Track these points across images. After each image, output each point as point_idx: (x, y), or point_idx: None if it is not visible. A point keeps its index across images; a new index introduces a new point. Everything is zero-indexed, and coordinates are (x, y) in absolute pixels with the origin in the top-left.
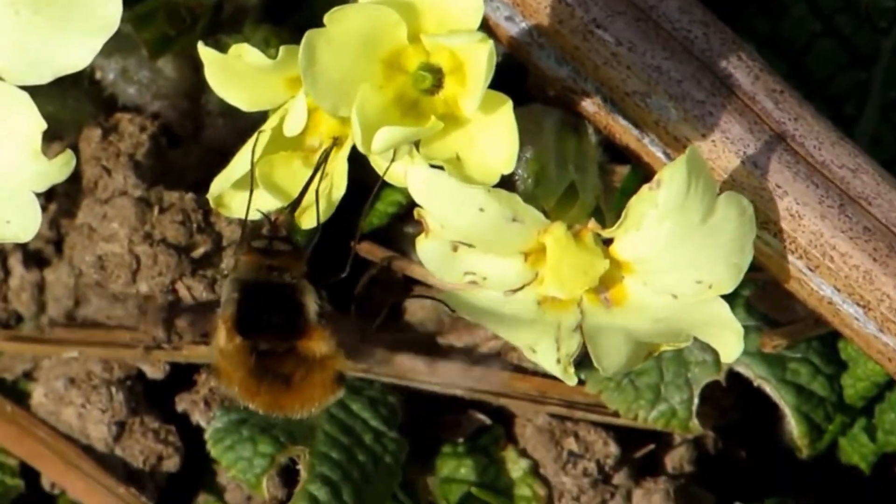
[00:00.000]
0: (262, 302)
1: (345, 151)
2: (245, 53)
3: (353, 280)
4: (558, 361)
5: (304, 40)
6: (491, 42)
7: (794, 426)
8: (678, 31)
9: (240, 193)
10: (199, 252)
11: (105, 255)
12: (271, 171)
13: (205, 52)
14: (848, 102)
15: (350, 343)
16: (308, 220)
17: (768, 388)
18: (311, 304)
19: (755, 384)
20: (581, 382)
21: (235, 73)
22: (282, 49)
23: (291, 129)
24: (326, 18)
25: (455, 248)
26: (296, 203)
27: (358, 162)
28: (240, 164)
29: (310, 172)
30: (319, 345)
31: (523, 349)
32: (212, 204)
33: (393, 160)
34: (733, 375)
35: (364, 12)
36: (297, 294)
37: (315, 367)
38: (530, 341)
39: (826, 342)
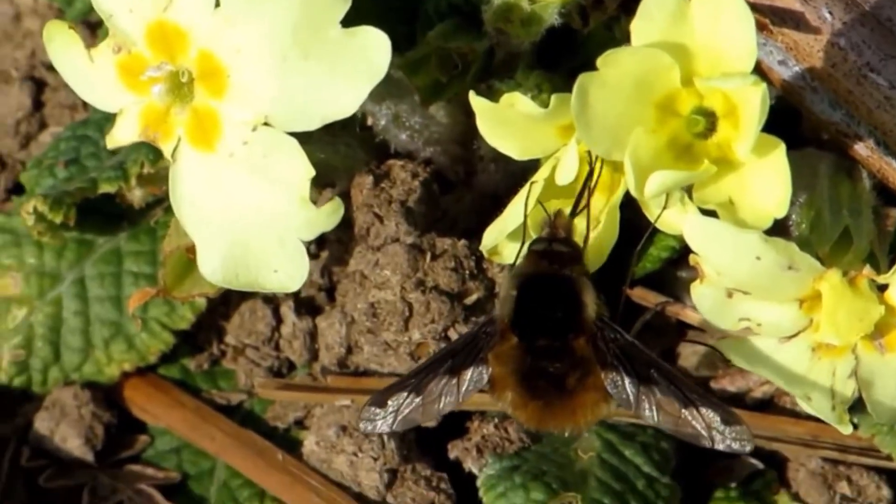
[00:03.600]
0: (541, 295)
1: (617, 198)
2: (517, 102)
3: (626, 326)
4: (833, 409)
5: (577, 84)
6: (764, 85)
7: None
8: None
9: (513, 244)
10: (471, 299)
11: (377, 302)
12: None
13: (476, 101)
14: None
15: None
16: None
17: None
18: (591, 302)
19: None
20: (854, 427)
21: (507, 121)
22: (554, 97)
23: (564, 177)
24: (600, 62)
25: (730, 295)
26: (575, 207)
27: (630, 206)
28: (513, 214)
29: (583, 222)
30: (592, 349)
31: (798, 398)
32: (485, 254)
33: (665, 206)
34: None
35: (638, 55)
36: (577, 288)
37: (589, 372)
38: (806, 390)
39: None
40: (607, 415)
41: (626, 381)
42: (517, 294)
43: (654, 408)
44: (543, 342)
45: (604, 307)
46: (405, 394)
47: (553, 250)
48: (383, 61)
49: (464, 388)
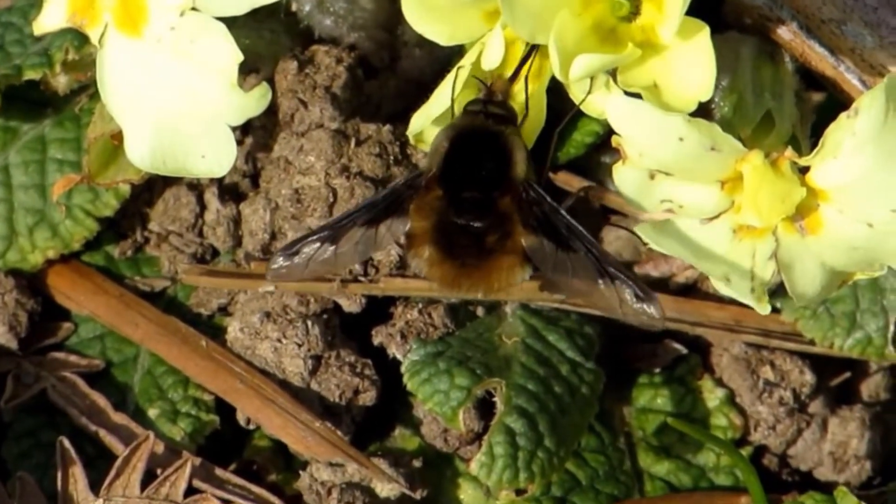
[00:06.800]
0: (472, 147)
1: (543, 83)
2: None
3: None
4: (752, 290)
5: None
6: None
7: None
8: None
9: (438, 130)
10: (394, 183)
11: (301, 188)
12: None
13: None
14: None
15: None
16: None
17: None
18: (521, 161)
19: None
20: (776, 311)
21: (433, 7)
22: None
23: (490, 62)
24: None
25: (652, 176)
26: (513, 76)
27: (555, 93)
28: (440, 99)
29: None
30: (517, 208)
31: (716, 281)
32: (411, 140)
33: (590, 91)
34: None
35: None
36: (508, 145)
37: (509, 233)
38: (725, 271)
39: None
40: (521, 280)
41: (546, 244)
42: (448, 145)
43: (570, 275)
44: (469, 195)
45: (532, 172)
46: (319, 244)
47: (488, 111)
48: None
49: (380, 239)
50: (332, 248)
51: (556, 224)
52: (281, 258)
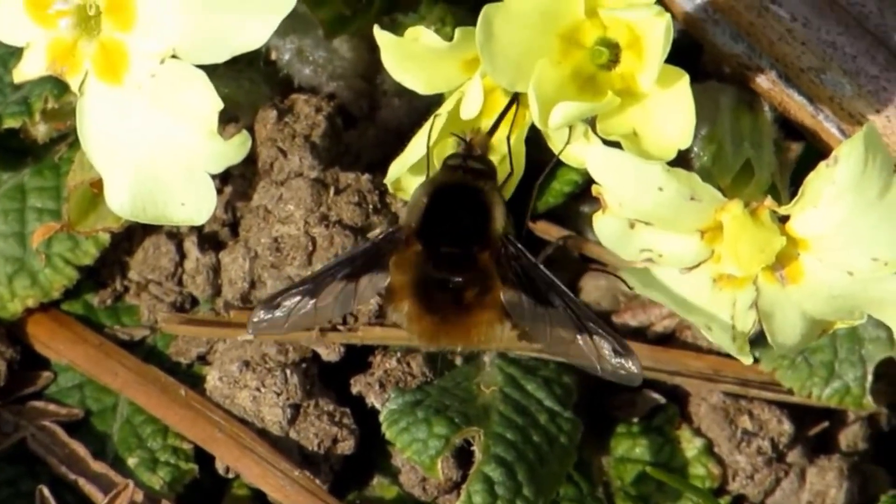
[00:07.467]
0: (451, 203)
1: (522, 133)
2: (421, 36)
3: None
4: (734, 339)
5: (481, 15)
6: (668, 15)
7: None
8: (853, 5)
9: (417, 178)
10: (375, 233)
11: (281, 236)
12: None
13: (381, 35)
14: None
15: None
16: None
17: None
18: (500, 216)
19: None
20: (755, 360)
21: (412, 55)
22: (458, 31)
23: (468, 111)
24: None
25: (632, 226)
26: (493, 128)
27: (533, 142)
28: (416, 148)
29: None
30: (495, 263)
31: (699, 327)
32: (389, 188)
33: (569, 140)
34: None
35: None
36: (487, 200)
37: (488, 288)
38: (706, 319)
39: None
40: (501, 335)
41: (525, 299)
42: (427, 201)
43: (548, 330)
44: (448, 250)
45: (511, 226)
46: (299, 297)
47: (467, 166)
48: None
49: (360, 293)
50: (313, 301)
51: (535, 279)
52: (262, 311)
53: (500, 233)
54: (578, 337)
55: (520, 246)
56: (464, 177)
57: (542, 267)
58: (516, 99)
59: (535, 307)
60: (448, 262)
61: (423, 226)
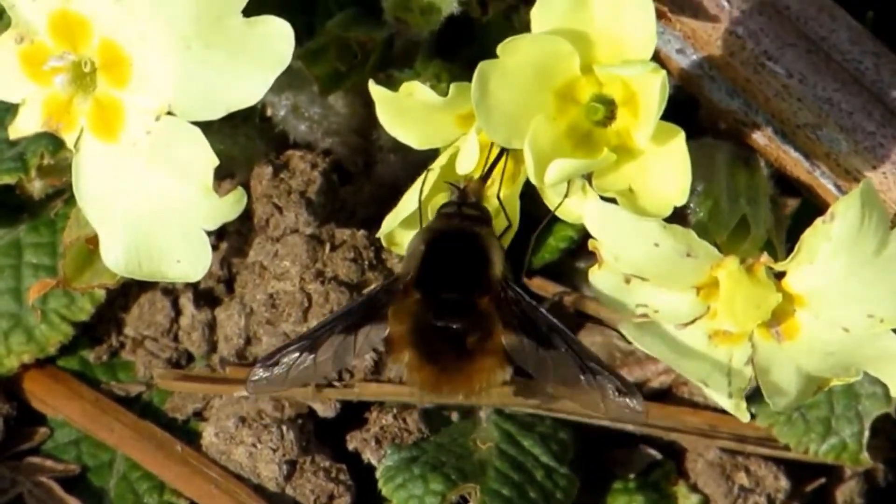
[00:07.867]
0: (449, 249)
1: (517, 188)
2: (416, 92)
3: None
4: (730, 396)
5: (477, 71)
6: (664, 72)
7: None
8: (849, 62)
9: (410, 232)
10: (370, 289)
11: (276, 293)
12: None
13: (376, 90)
14: None
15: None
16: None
17: None
18: (498, 261)
19: None
20: (752, 416)
21: (406, 111)
22: (453, 87)
23: (465, 166)
24: (500, 49)
25: (628, 281)
26: (486, 175)
27: (529, 198)
28: (409, 202)
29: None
30: (496, 308)
31: (696, 383)
32: (383, 243)
33: (566, 195)
34: None
35: (538, 43)
36: (485, 245)
37: (489, 333)
38: (703, 375)
39: None
40: (503, 380)
41: (526, 342)
42: (424, 248)
43: (551, 372)
44: (447, 296)
45: (509, 270)
46: (298, 353)
47: (463, 212)
48: (286, 50)
49: (359, 346)
50: (312, 356)
51: (536, 321)
52: (261, 369)
53: (500, 277)
54: (582, 377)
55: (518, 290)
56: (460, 223)
57: (542, 309)
58: (506, 150)
59: (538, 350)
60: (448, 309)
61: (422, 273)
